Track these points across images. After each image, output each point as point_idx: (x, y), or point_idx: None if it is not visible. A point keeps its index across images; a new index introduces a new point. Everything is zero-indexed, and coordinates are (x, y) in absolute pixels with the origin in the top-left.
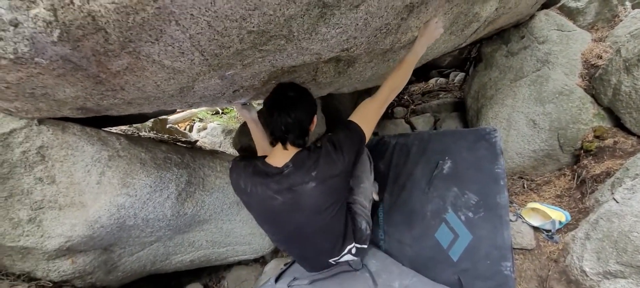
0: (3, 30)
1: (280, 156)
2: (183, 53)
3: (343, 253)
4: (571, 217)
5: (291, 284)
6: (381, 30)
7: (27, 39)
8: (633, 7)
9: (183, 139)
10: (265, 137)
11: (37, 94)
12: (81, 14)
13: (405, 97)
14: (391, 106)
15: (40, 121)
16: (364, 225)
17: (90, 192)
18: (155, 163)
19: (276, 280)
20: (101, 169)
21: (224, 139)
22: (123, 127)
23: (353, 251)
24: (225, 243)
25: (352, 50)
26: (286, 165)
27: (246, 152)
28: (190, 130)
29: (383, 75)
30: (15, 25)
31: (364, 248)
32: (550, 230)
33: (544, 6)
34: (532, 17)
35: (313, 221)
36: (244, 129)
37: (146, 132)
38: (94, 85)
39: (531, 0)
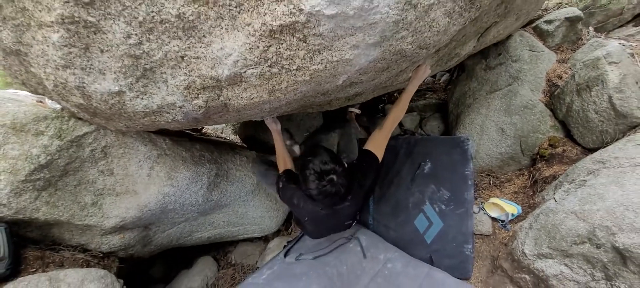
0: (172, 109)
1: None
2: (261, 111)
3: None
4: (522, 210)
5: (299, 258)
6: (386, 81)
7: (183, 113)
8: (596, 30)
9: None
10: (285, 148)
11: (151, 128)
12: (220, 102)
13: (395, 95)
14: (382, 102)
15: None
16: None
17: (141, 182)
18: (193, 160)
19: (285, 255)
20: (151, 164)
21: (226, 126)
22: None
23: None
24: (239, 223)
25: (362, 92)
26: None
27: (249, 141)
28: None
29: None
30: (181, 107)
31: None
32: (504, 221)
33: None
34: (509, 36)
35: (343, 222)
36: (247, 121)
37: None
38: (193, 123)
39: (505, 34)
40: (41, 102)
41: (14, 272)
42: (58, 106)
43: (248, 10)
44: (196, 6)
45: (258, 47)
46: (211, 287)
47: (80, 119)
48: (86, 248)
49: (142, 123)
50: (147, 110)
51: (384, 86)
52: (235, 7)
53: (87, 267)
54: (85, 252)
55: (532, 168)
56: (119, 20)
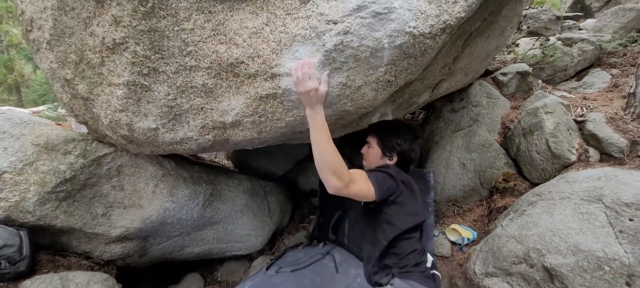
0: (190, 141)
1: None
2: (252, 143)
3: None
4: (478, 236)
5: (279, 271)
6: (351, 124)
7: (197, 144)
8: (546, 82)
9: None
10: None
11: (169, 152)
12: (223, 138)
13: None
14: (364, 135)
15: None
16: None
17: (146, 197)
18: (192, 180)
19: (267, 269)
20: (156, 182)
21: (220, 152)
22: None
23: None
24: (227, 240)
25: (332, 131)
26: None
27: (240, 167)
28: None
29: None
30: (196, 140)
31: None
32: (461, 244)
33: (482, 75)
34: (470, 84)
35: None
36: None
37: None
38: (201, 151)
39: (458, 86)
40: (60, 124)
41: (31, 271)
42: (83, 129)
43: (247, 84)
44: (215, 80)
45: (252, 105)
46: None
47: (102, 141)
48: (89, 256)
49: (164, 149)
50: (173, 141)
51: (351, 127)
52: (240, 82)
53: (91, 271)
54: (89, 259)
55: (489, 200)
56: (163, 84)
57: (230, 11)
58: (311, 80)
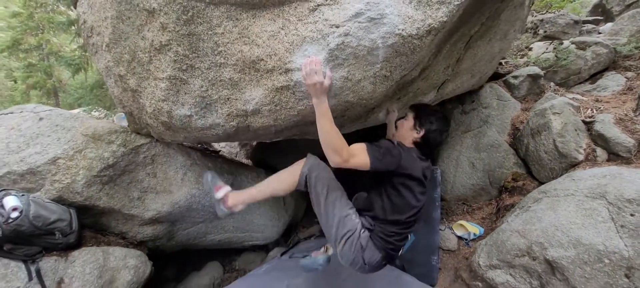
0: (217, 127)
1: None
2: (269, 132)
3: None
4: (485, 232)
5: (292, 257)
6: (359, 119)
7: (223, 130)
8: (559, 85)
9: (209, 149)
10: None
11: (201, 140)
12: (245, 124)
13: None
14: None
15: (157, 139)
16: None
17: (176, 184)
18: (216, 170)
19: (281, 255)
20: (185, 171)
21: (240, 150)
22: None
23: None
24: (246, 229)
25: (342, 125)
26: None
27: (259, 164)
28: None
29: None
30: (223, 126)
31: None
32: (467, 239)
33: (493, 78)
34: (482, 87)
35: None
36: (259, 145)
37: None
38: (226, 138)
39: (464, 88)
40: (100, 119)
41: (78, 244)
42: (124, 123)
43: (266, 77)
44: (240, 74)
45: (269, 95)
46: (217, 286)
47: (140, 133)
48: (125, 236)
49: (196, 135)
50: (203, 127)
51: (360, 122)
52: (260, 76)
53: (127, 248)
54: (124, 239)
55: (498, 199)
56: (198, 78)
57: (253, 18)
58: (317, 74)
